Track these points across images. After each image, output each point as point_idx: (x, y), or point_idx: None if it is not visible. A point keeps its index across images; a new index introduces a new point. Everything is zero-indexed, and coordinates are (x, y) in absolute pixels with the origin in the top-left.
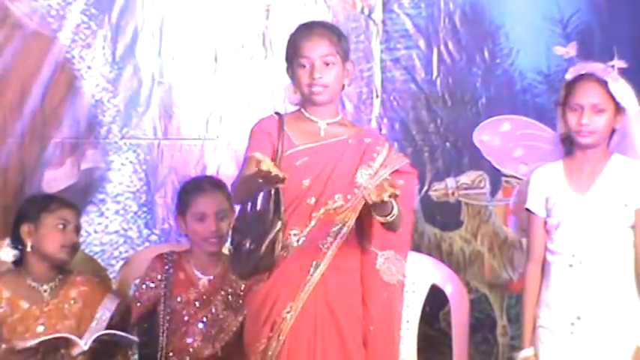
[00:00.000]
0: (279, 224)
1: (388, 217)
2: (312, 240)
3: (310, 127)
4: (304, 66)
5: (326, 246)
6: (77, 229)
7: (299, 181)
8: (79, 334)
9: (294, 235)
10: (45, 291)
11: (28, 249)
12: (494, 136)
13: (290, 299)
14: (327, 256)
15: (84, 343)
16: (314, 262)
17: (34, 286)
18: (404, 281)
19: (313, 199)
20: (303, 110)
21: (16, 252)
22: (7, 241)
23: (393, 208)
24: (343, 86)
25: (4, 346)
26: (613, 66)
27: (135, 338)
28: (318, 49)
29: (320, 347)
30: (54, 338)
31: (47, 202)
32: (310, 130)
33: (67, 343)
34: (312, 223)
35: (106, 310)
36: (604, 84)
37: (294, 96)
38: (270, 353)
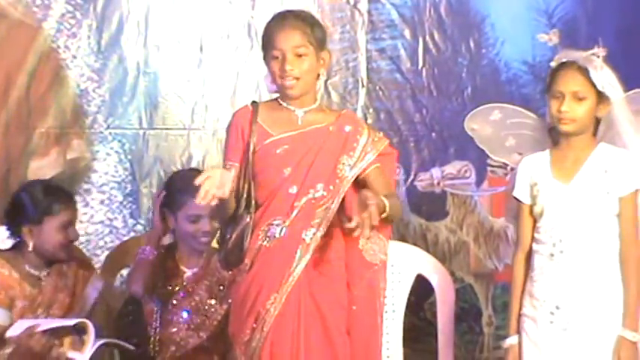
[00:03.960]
0: (247, 219)
1: (383, 215)
2: (294, 230)
3: (287, 115)
4: (276, 57)
5: (309, 237)
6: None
7: (279, 170)
8: (71, 311)
9: (277, 224)
10: (43, 276)
11: (30, 249)
12: (485, 124)
13: (274, 290)
14: (310, 247)
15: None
16: (297, 253)
17: (32, 272)
18: (386, 261)
19: (295, 188)
20: (279, 99)
21: (12, 241)
22: (3, 228)
23: (385, 206)
24: (319, 75)
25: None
26: (599, 55)
27: (131, 347)
28: (289, 40)
29: (304, 338)
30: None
31: (50, 202)
32: (287, 119)
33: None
34: (295, 212)
35: (94, 290)
36: (585, 72)
37: (273, 85)
38: (253, 344)
